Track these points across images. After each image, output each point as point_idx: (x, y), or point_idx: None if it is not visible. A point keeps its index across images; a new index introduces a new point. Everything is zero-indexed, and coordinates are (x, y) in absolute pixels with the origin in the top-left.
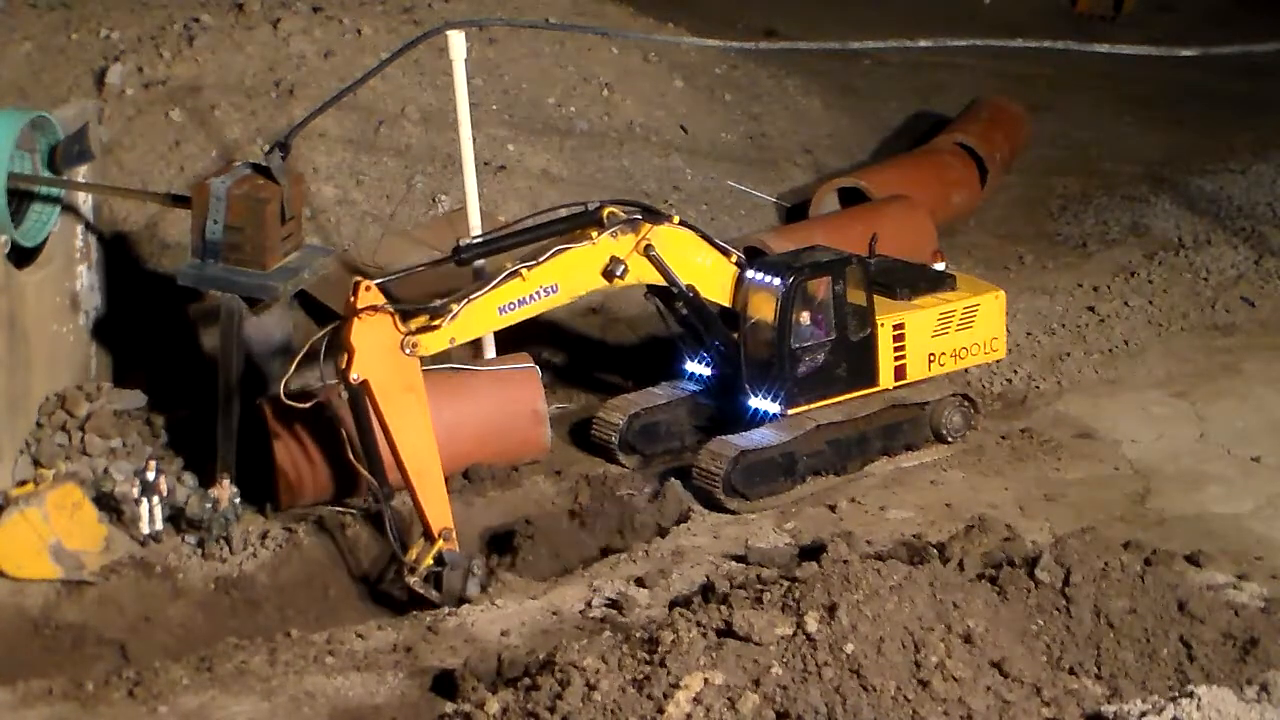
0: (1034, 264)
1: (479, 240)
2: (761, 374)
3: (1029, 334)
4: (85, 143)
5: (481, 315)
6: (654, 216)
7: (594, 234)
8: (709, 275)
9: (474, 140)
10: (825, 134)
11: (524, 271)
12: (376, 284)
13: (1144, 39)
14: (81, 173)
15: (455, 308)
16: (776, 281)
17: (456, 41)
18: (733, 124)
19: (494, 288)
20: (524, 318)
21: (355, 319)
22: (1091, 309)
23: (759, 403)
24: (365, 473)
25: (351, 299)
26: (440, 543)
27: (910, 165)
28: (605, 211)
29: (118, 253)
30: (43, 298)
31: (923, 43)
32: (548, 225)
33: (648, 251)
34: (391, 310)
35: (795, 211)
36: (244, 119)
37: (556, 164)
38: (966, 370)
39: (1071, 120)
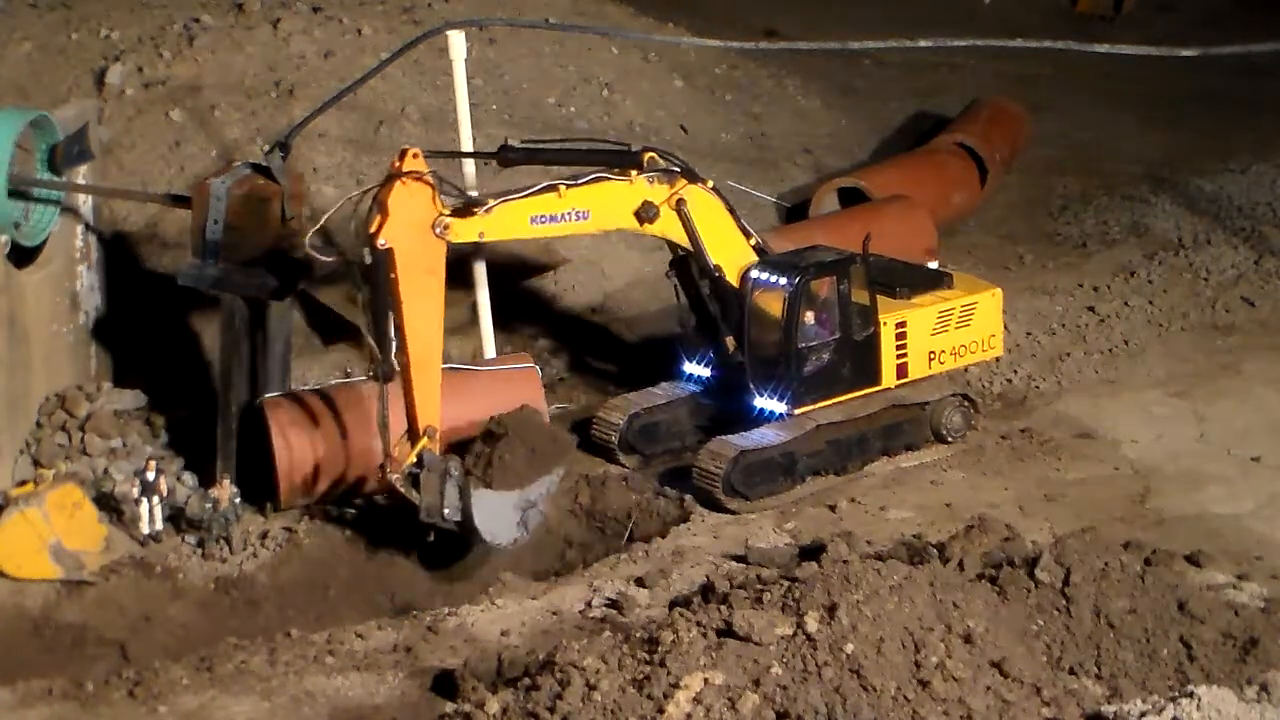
0: (1034, 264)
1: (525, 145)
2: (766, 373)
3: (1029, 334)
4: (85, 143)
5: (514, 218)
6: (690, 175)
7: (633, 174)
8: (729, 251)
9: (474, 140)
10: (825, 134)
11: (562, 188)
12: (425, 154)
13: (1144, 39)
14: (81, 173)
15: (492, 202)
16: (783, 281)
17: (456, 41)
18: (733, 124)
19: (531, 194)
20: (552, 235)
21: (397, 182)
22: (1091, 309)
23: (765, 402)
24: (372, 344)
25: (396, 163)
26: (424, 440)
27: (910, 165)
28: (646, 155)
29: (118, 253)
30: (43, 298)
31: (923, 43)
32: (591, 152)
33: (680, 207)
34: (433, 184)
35: (795, 211)
36: (244, 119)
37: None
38: (966, 370)
39: (1071, 120)
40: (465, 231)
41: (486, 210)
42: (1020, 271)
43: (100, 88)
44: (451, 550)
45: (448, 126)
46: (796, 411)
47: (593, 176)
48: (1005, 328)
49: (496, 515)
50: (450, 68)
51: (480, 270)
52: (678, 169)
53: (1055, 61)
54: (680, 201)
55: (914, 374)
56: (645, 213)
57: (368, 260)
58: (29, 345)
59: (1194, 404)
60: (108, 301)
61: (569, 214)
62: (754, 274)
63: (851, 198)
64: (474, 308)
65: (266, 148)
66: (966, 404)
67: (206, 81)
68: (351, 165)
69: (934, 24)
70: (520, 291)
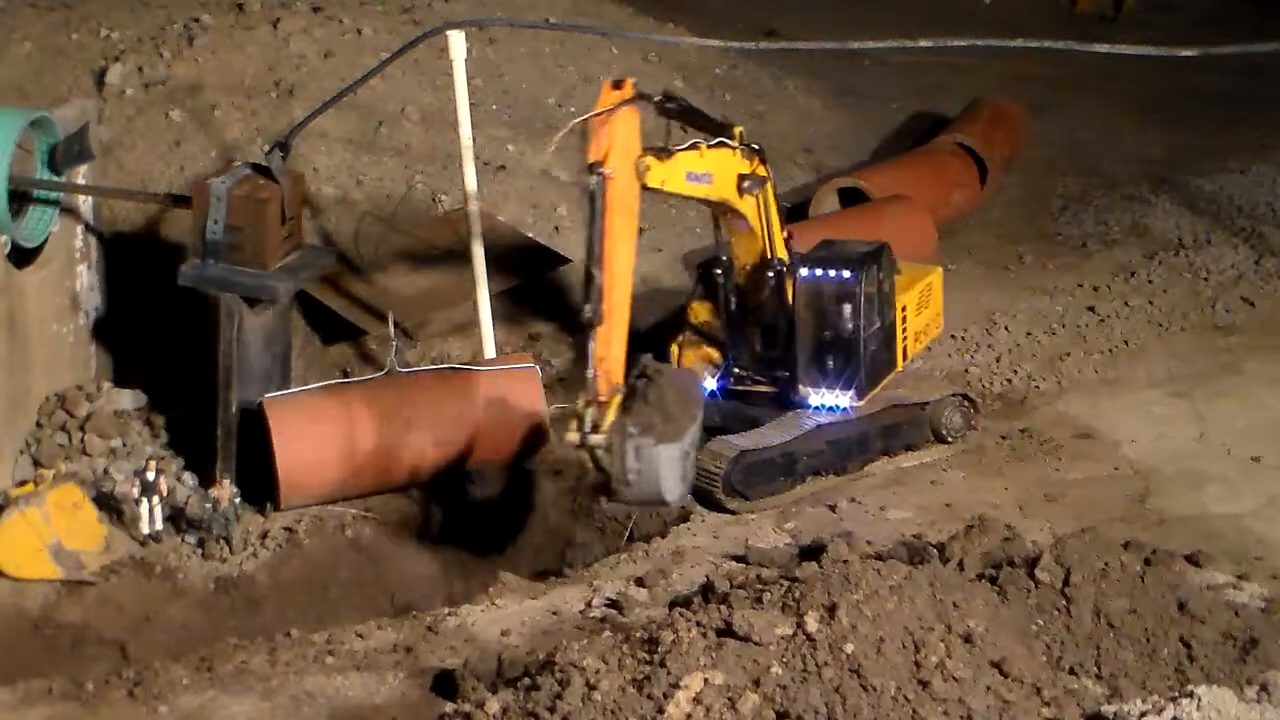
0: (1034, 264)
1: (681, 102)
2: (824, 369)
3: (1029, 334)
4: (85, 143)
5: (679, 171)
6: (762, 156)
7: (734, 144)
8: (779, 243)
9: (474, 140)
10: (825, 134)
11: (702, 146)
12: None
13: (1144, 39)
14: (81, 173)
15: (674, 149)
16: (848, 274)
17: (456, 41)
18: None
19: (686, 149)
20: (694, 195)
21: (624, 109)
22: (1091, 309)
23: (824, 398)
24: (598, 277)
25: (614, 90)
26: (617, 399)
27: (910, 165)
28: (737, 129)
29: (118, 253)
30: (43, 298)
31: (923, 43)
32: (709, 119)
33: (761, 184)
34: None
35: (795, 211)
36: (244, 119)
37: (556, 164)
38: (967, 370)
39: (1071, 120)
40: (654, 175)
41: (670, 156)
42: (1020, 271)
43: (100, 88)
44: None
45: (448, 126)
46: (861, 402)
47: (717, 140)
48: (1005, 328)
49: (672, 472)
50: (450, 68)
51: (480, 270)
52: (756, 147)
53: (1055, 61)
54: (762, 179)
55: (910, 355)
56: (746, 184)
57: (592, 188)
58: (29, 345)
59: (1194, 404)
60: (108, 301)
61: (704, 175)
62: (805, 270)
63: (851, 198)
64: (474, 307)
65: (266, 148)
66: (966, 404)
67: (206, 81)
68: (351, 165)
69: (934, 24)
70: (520, 291)
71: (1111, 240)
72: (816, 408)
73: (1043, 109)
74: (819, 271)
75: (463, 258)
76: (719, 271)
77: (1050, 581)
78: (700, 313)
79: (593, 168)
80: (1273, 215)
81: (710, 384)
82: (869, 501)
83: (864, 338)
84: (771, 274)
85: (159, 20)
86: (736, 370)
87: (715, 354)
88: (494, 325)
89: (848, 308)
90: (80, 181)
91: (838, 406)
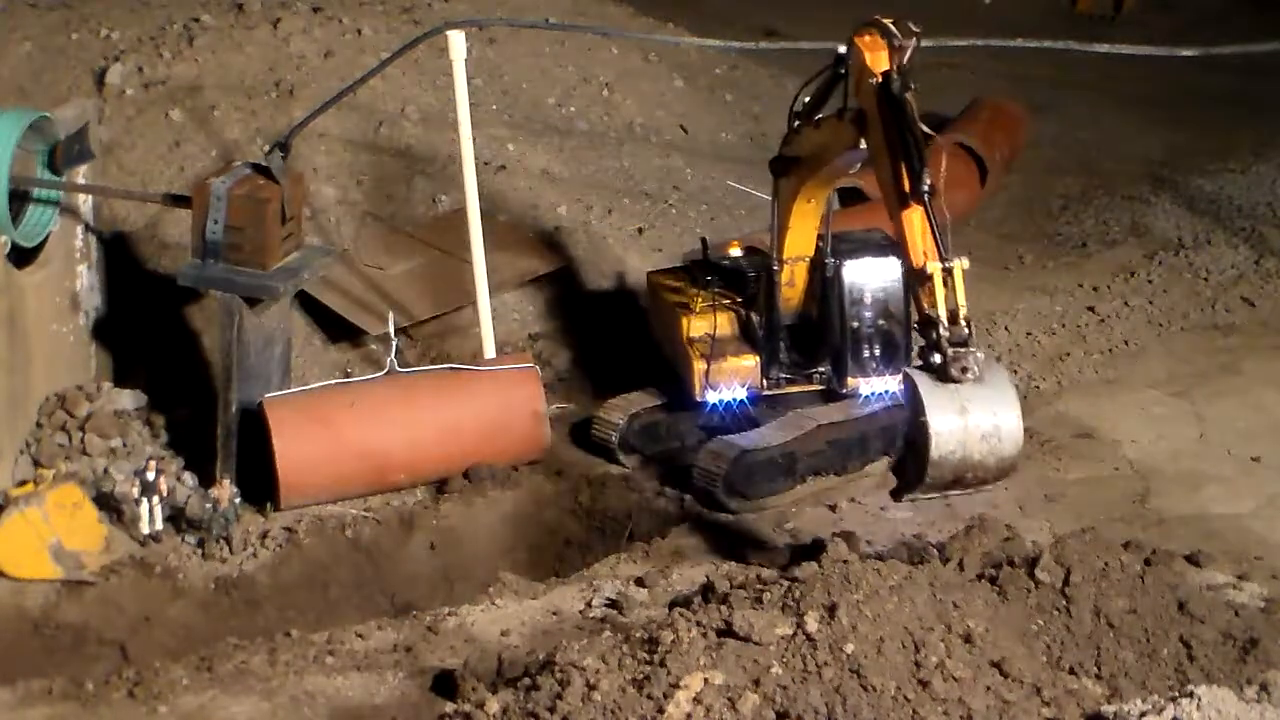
0: (1034, 264)
1: None
2: (870, 356)
3: (1029, 334)
4: (85, 143)
5: None
6: None
7: None
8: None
9: (474, 140)
10: None
11: None
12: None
13: (1144, 39)
14: (81, 173)
15: None
16: (895, 259)
17: (456, 41)
18: (733, 124)
19: None
20: None
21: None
22: (1091, 309)
23: (876, 384)
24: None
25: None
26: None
27: None
28: None
29: (118, 253)
30: (43, 298)
31: (923, 43)
32: None
33: None
34: None
35: None
36: (244, 119)
37: (556, 164)
38: None
39: (1071, 120)
40: None
41: None
42: (1020, 271)
43: (100, 88)
44: None
45: (448, 126)
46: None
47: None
48: (1005, 328)
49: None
50: (450, 68)
51: (480, 270)
52: None
53: (1055, 61)
54: None
55: None
56: None
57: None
58: (29, 345)
59: (1194, 404)
60: (108, 301)
61: None
62: (851, 260)
63: (852, 198)
64: (474, 308)
65: (266, 148)
66: None
67: (206, 81)
68: (351, 165)
69: (934, 24)
70: (519, 292)
71: (1111, 240)
72: (867, 396)
73: (1043, 109)
74: (865, 259)
75: (463, 258)
76: (776, 268)
77: (1050, 581)
78: (697, 326)
79: (903, 74)
80: (1273, 215)
81: (741, 394)
82: (869, 501)
83: (907, 316)
84: (829, 263)
85: (159, 20)
86: (772, 375)
87: (743, 362)
88: (494, 325)
89: (897, 291)
90: (80, 181)
91: (888, 391)
